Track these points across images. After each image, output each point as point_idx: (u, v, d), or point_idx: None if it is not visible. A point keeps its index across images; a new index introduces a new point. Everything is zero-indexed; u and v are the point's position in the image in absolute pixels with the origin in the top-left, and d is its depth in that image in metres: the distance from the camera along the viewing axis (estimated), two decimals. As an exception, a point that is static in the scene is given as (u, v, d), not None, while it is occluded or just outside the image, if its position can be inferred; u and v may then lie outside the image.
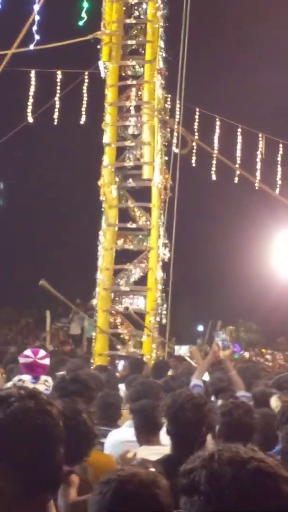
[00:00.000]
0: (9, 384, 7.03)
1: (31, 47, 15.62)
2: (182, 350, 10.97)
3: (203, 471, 1.69)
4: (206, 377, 8.60)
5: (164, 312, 15.41)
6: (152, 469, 3.10)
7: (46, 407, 2.18)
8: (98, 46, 16.11)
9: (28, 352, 7.45)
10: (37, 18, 15.20)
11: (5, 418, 2.11)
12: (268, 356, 23.99)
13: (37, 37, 15.29)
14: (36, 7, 15.18)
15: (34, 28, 15.28)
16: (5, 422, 2.10)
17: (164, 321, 15.42)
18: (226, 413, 5.08)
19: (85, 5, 15.44)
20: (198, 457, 1.73)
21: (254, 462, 1.67)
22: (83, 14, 15.42)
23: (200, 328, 31.92)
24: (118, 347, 15.86)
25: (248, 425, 5.05)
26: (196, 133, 19.21)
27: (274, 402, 7.05)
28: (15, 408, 2.12)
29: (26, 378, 7.06)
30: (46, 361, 7.37)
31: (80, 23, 15.53)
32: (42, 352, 7.46)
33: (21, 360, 7.30)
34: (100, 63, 16.23)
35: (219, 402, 6.95)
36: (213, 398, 7.89)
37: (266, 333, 29.28)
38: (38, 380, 7.04)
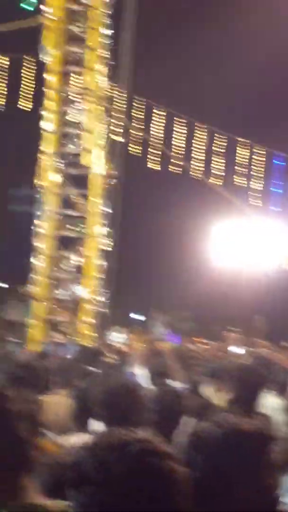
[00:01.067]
0: None
1: None
2: (114, 336, 11.03)
3: (89, 460, 1.71)
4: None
5: (103, 300, 15.44)
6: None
7: None
8: (41, 31, 15.94)
9: None
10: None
11: None
12: (200, 345, 24.20)
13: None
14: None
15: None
16: None
17: (103, 309, 15.45)
18: (154, 400, 5.08)
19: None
20: (81, 447, 1.75)
21: (137, 443, 1.71)
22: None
23: (134, 315, 32.03)
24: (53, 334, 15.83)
25: (176, 412, 5.07)
26: (134, 121, 19.19)
27: (208, 391, 7.14)
28: None
29: None
30: None
31: (22, 4, 15.33)
32: None
33: None
34: (42, 48, 16.06)
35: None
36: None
37: (202, 323, 29.57)
38: None
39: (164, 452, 1.69)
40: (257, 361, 7.77)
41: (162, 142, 19.74)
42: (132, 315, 31.33)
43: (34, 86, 17.96)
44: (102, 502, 1.64)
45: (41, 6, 16.02)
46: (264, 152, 21.30)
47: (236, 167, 21.63)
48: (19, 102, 18.73)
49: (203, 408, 5.50)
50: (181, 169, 20.16)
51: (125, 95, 16.26)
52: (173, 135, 19.85)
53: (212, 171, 20.71)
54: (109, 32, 15.81)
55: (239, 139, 21.34)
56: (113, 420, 4.58)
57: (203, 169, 20.14)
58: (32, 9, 15.17)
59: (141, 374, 8.03)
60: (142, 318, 29.84)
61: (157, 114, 19.58)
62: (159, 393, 5.16)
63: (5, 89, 18.77)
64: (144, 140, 19.25)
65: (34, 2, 15.28)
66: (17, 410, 2.25)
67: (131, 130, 17.40)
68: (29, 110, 18.27)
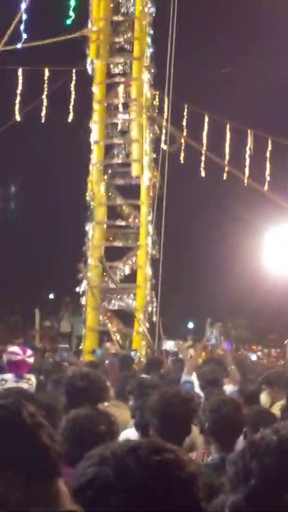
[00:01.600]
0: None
1: (19, 45, 15.56)
2: (168, 344, 11.00)
3: (110, 471, 1.66)
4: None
5: (154, 309, 15.41)
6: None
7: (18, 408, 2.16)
8: (86, 44, 16.06)
9: (15, 349, 7.39)
10: (24, 16, 15.14)
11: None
12: (259, 353, 24.06)
13: (24, 35, 15.24)
14: (23, 6, 15.13)
15: (22, 27, 15.22)
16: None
17: (154, 318, 15.41)
18: (214, 410, 5.03)
19: (72, 3, 15.37)
20: (92, 462, 1.72)
21: (160, 453, 1.67)
22: (71, 13, 15.35)
23: (191, 325, 31.97)
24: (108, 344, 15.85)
25: (237, 422, 5.02)
26: (185, 130, 19.21)
27: (264, 398, 7.07)
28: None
29: (8, 377, 7.01)
30: (32, 360, 7.38)
31: (68, 21, 15.47)
32: (29, 351, 7.43)
33: (7, 357, 7.21)
34: (88, 61, 16.19)
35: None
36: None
37: (257, 330, 29.35)
38: (22, 379, 6.99)
39: (184, 462, 1.67)
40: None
41: (210, 149, 19.65)
42: (186, 323, 31.32)
43: (82, 98, 18.06)
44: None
45: (87, 19, 16.14)
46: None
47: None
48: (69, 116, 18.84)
49: (260, 417, 5.45)
50: (230, 176, 20.01)
51: (169, 103, 16.16)
52: (222, 142, 19.77)
53: (264, 177, 20.53)
54: (152, 42, 15.81)
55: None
56: (169, 431, 4.55)
57: (248, 174, 19.95)
58: (69, 23, 15.23)
59: (197, 383, 7.98)
60: (193, 326, 29.78)
61: (203, 121, 19.52)
62: (217, 403, 5.09)
63: (53, 102, 18.91)
64: (193, 148, 19.20)
65: (71, 16, 15.37)
66: (38, 422, 2.20)
67: (178, 138, 17.34)
68: (77, 122, 18.37)
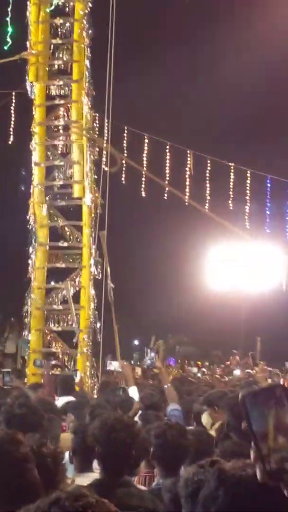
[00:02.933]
0: None
1: None
2: (113, 365, 11.04)
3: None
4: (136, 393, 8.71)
5: (98, 328, 15.46)
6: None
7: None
8: (26, 66, 16.12)
9: None
10: None
11: None
12: (204, 369, 24.22)
13: None
14: None
15: None
16: None
17: (98, 338, 15.45)
18: (159, 435, 5.07)
19: (9, 29, 15.44)
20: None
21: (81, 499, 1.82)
22: (8, 39, 15.41)
23: (136, 342, 32.06)
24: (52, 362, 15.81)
25: (182, 446, 5.05)
26: (125, 151, 19.38)
27: (205, 419, 7.16)
28: None
29: None
30: None
31: (5, 47, 15.52)
32: None
33: None
34: (28, 83, 16.24)
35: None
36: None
37: (201, 346, 29.56)
38: None
39: (106, 504, 1.86)
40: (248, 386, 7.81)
41: (152, 170, 19.85)
42: (131, 341, 31.37)
43: (22, 120, 18.10)
44: None
45: (26, 42, 16.20)
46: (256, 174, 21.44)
47: (229, 191, 21.78)
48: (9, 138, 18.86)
49: (200, 443, 5.52)
50: (170, 196, 20.23)
51: (109, 125, 16.32)
52: (164, 163, 20.00)
53: (204, 196, 20.82)
54: (90, 64, 15.95)
55: (230, 164, 21.51)
56: (110, 457, 4.61)
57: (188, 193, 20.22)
58: (7, 48, 15.30)
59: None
60: (138, 343, 29.85)
61: (143, 142, 19.72)
62: (162, 428, 5.14)
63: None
64: (132, 169, 19.36)
65: (8, 41, 15.44)
66: (26, 453, 2.31)
67: (119, 159, 17.47)
68: (18, 144, 18.40)
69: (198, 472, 3.17)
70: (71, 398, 8.92)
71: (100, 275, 15.50)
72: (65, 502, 1.78)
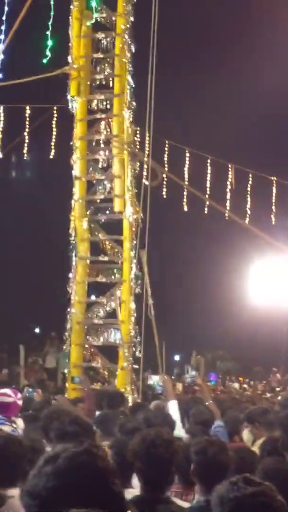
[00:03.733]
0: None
1: (-2, 84, 15.70)
2: (153, 379, 10.92)
3: None
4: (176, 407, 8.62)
5: (138, 344, 15.38)
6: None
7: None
8: (67, 81, 16.21)
9: (7, 391, 7.27)
10: (1, 56, 15.28)
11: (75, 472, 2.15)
12: (245, 386, 24.02)
13: (0, 75, 15.36)
14: (1, 46, 15.27)
15: (-1, 67, 15.37)
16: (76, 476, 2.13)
17: (138, 353, 15.37)
18: (200, 451, 4.97)
19: (50, 43, 15.54)
20: None
21: None
22: (48, 53, 15.50)
23: (177, 357, 31.90)
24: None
25: (223, 463, 4.94)
26: (166, 165, 19.36)
27: (246, 435, 7.05)
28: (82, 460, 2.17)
29: None
30: (3, 400, 7.18)
31: (44, 61, 15.61)
32: (19, 394, 7.36)
33: None
34: (69, 98, 16.32)
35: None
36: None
37: (242, 362, 29.31)
38: (4, 421, 6.88)
39: None
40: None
41: (193, 184, 19.80)
42: (171, 356, 31.22)
43: (63, 135, 18.20)
44: None
45: (67, 56, 16.29)
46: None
47: (270, 205, 21.63)
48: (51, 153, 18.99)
49: (242, 460, 5.41)
50: (211, 210, 20.14)
51: (150, 139, 16.28)
52: (205, 177, 19.95)
53: (245, 210, 20.70)
54: (132, 78, 15.97)
55: (272, 178, 21.38)
56: (150, 472, 4.53)
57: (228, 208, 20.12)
58: (45, 62, 15.41)
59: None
60: (181, 358, 29.69)
61: (184, 156, 19.70)
62: (202, 444, 5.03)
63: (35, 139, 19.04)
64: (173, 183, 19.33)
65: (48, 55, 15.55)
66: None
67: (160, 173, 17.45)
68: (59, 159, 18.50)
69: (232, 489, 3.05)
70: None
71: (140, 290, 15.43)
72: None
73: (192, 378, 7.96)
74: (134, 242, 15.64)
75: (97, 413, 9.17)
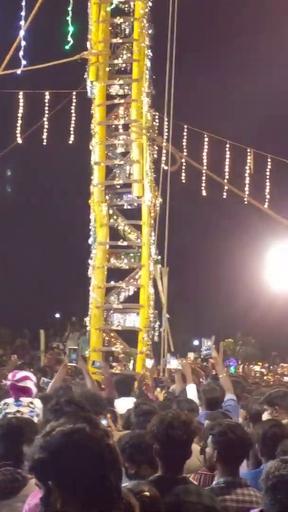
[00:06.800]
0: (-6, 409, 6.94)
1: (19, 71, 15.72)
2: (172, 364, 10.99)
3: None
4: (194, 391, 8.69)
5: (157, 328, 15.45)
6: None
7: (103, 437, 2.25)
8: (86, 66, 16.21)
9: (29, 374, 7.33)
10: (22, 43, 15.30)
11: (49, 444, 2.21)
12: (263, 370, 24.07)
13: (23, 62, 15.38)
14: (21, 33, 15.28)
15: (20, 53, 15.37)
16: (65, 451, 2.18)
17: (156, 338, 15.45)
18: (221, 433, 5.04)
19: (71, 29, 15.53)
20: None
21: None
22: (69, 38, 15.50)
23: (196, 342, 31.97)
24: (113, 364, 15.87)
25: (244, 444, 5.03)
26: (185, 150, 19.34)
27: (266, 418, 7.06)
28: (56, 434, 2.22)
29: (10, 401, 6.98)
30: (26, 384, 7.09)
31: (67, 47, 15.62)
32: (20, 374, 7.22)
33: (4, 382, 7.18)
34: (88, 83, 16.33)
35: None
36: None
37: (261, 346, 29.34)
38: (22, 403, 6.93)
39: None
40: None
41: (212, 168, 19.79)
42: (191, 341, 31.29)
43: (82, 120, 18.24)
44: None
45: (86, 42, 16.30)
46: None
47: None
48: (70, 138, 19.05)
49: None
50: (230, 194, 20.13)
51: (169, 124, 16.28)
52: (223, 162, 19.90)
53: (264, 195, 20.64)
54: (151, 63, 15.94)
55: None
56: (168, 454, 4.60)
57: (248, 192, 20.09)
58: (68, 48, 15.42)
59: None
60: (199, 343, 29.74)
61: (203, 141, 19.66)
62: (223, 427, 5.11)
63: (54, 124, 19.10)
64: (192, 167, 19.32)
65: (69, 41, 15.55)
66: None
67: (179, 158, 17.46)
68: (78, 144, 18.54)
69: (280, 466, 3.31)
70: (131, 399, 8.87)
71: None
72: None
73: (207, 351, 8.00)
74: (153, 227, 15.69)
75: (121, 399, 9.27)
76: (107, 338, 15.97)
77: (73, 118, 18.95)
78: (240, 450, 4.99)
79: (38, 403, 6.98)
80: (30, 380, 7.13)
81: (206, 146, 19.62)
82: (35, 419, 6.42)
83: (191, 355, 14.91)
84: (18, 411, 6.79)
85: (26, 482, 4.52)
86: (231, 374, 17.13)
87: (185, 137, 19.38)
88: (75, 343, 22.17)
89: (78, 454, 2.20)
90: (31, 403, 6.97)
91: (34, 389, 7.18)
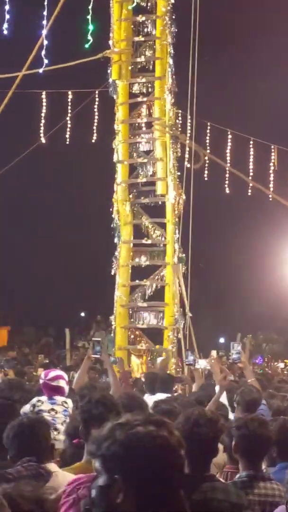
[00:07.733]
0: (27, 406, 6.95)
1: (41, 70, 15.75)
2: (201, 363, 10.92)
3: None
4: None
5: (182, 326, 15.43)
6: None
7: (165, 434, 2.28)
8: (109, 65, 16.22)
9: (62, 373, 7.30)
10: (45, 42, 15.32)
11: (128, 440, 2.23)
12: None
13: (45, 61, 15.40)
14: (44, 32, 15.30)
15: (43, 52, 15.39)
16: (129, 444, 2.21)
17: (180, 335, 15.42)
18: (241, 426, 5.05)
19: (91, 27, 15.53)
20: None
21: None
22: (89, 37, 15.50)
23: (221, 340, 31.92)
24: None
25: (264, 437, 5.02)
26: (208, 147, 19.28)
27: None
28: (137, 432, 2.23)
29: (44, 399, 6.99)
30: (59, 383, 7.05)
31: (86, 45, 15.62)
32: (53, 373, 7.18)
33: (48, 379, 7.09)
34: (110, 82, 16.33)
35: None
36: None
37: (286, 343, 29.20)
38: (56, 401, 6.94)
39: None
40: None
41: (235, 166, 19.70)
42: (217, 339, 31.25)
43: (105, 119, 18.25)
44: None
45: (108, 40, 16.30)
46: None
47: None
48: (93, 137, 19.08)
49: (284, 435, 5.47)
50: (254, 191, 20.04)
51: (192, 121, 16.23)
52: (247, 159, 19.82)
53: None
54: (173, 61, 15.89)
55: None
56: (194, 452, 4.58)
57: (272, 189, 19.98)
58: (87, 47, 15.42)
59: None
60: (226, 341, 29.69)
61: (226, 138, 19.59)
62: (243, 420, 5.10)
63: (77, 123, 19.14)
64: (215, 165, 19.26)
65: (90, 39, 15.54)
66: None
67: (202, 156, 17.41)
68: (101, 142, 18.56)
69: None
70: (162, 395, 8.82)
71: (184, 273, 15.45)
72: None
73: (238, 355, 7.95)
74: (177, 224, 15.66)
75: (146, 396, 9.23)
76: (132, 336, 15.99)
77: (96, 117, 18.96)
78: (259, 444, 4.93)
79: (70, 403, 6.97)
80: (62, 379, 7.11)
81: (229, 143, 19.54)
82: (67, 420, 6.42)
83: (213, 353, 14.84)
84: (52, 409, 6.80)
85: (49, 477, 4.54)
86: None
87: (208, 134, 19.32)
88: (102, 335, 22.23)
89: (156, 458, 2.23)
90: (65, 402, 6.96)
91: (66, 388, 7.17)
